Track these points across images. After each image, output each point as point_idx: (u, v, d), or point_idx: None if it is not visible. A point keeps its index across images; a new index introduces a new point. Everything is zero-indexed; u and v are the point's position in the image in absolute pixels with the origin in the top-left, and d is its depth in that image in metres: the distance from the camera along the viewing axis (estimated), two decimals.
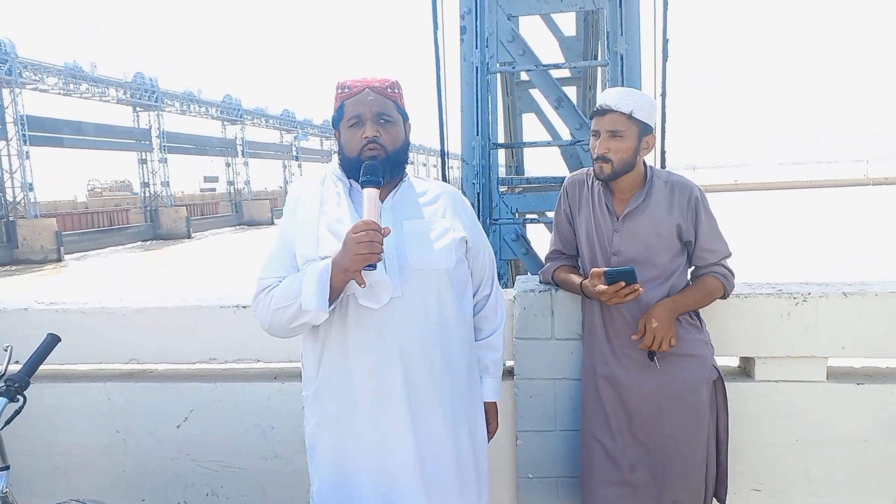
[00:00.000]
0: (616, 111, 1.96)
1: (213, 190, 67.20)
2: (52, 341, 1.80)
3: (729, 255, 2.09)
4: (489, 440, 1.91)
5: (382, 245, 1.51)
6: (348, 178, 1.75)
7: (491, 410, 1.95)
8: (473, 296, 1.86)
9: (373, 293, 1.62)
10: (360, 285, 1.55)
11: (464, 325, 1.78)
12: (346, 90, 1.70)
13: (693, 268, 2.12)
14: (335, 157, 1.80)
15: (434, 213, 1.75)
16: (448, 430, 1.71)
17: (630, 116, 1.95)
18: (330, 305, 1.59)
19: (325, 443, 1.73)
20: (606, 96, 2.00)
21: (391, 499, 1.67)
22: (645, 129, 1.99)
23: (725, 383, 2.10)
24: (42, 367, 1.80)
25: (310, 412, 1.77)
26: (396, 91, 1.73)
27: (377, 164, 1.63)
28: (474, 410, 1.83)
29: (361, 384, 1.66)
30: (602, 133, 1.98)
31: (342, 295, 1.63)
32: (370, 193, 1.58)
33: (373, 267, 1.52)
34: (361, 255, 1.49)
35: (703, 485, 2.06)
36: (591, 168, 2.10)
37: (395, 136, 1.71)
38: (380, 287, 1.61)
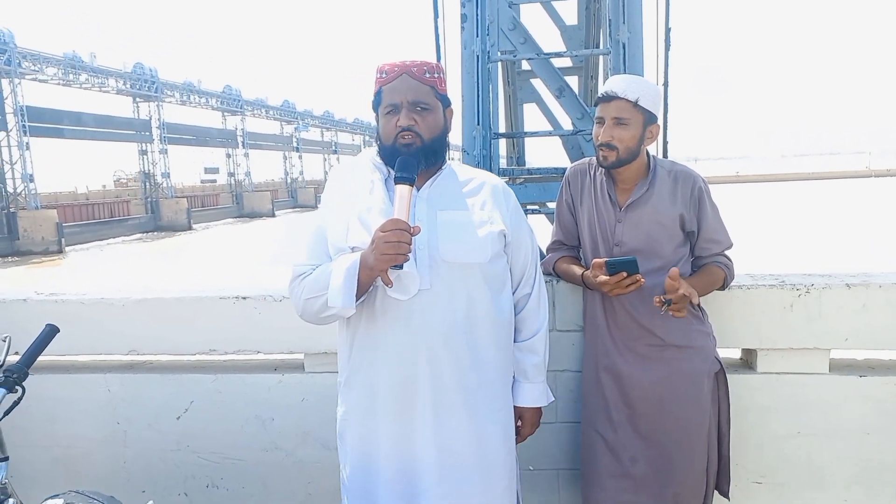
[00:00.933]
0: (622, 98, 1.93)
1: (214, 181, 67.01)
2: (51, 332, 1.79)
3: (731, 245, 2.07)
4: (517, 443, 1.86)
5: (410, 245, 1.49)
6: (386, 165, 1.70)
7: (526, 415, 1.87)
8: (513, 293, 1.80)
9: (401, 284, 1.60)
10: (386, 284, 1.54)
11: (499, 323, 1.72)
12: (384, 75, 1.66)
13: (694, 258, 2.11)
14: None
15: (473, 205, 1.70)
16: (473, 429, 1.67)
17: (636, 104, 1.93)
18: (358, 299, 1.58)
19: (352, 430, 1.73)
20: (612, 83, 1.97)
21: (410, 492, 1.67)
22: (650, 119, 1.96)
23: (727, 375, 2.09)
24: (41, 358, 1.78)
25: (340, 399, 1.78)
26: (435, 76, 1.67)
27: (412, 159, 1.59)
28: (510, 412, 1.80)
29: (386, 376, 1.65)
30: (607, 120, 1.96)
31: (371, 287, 1.62)
32: (402, 191, 1.54)
33: (399, 267, 1.51)
34: (388, 255, 1.47)
35: (705, 477, 2.05)
36: (594, 158, 2.08)
37: (432, 124, 1.66)
38: (408, 278, 1.59)
